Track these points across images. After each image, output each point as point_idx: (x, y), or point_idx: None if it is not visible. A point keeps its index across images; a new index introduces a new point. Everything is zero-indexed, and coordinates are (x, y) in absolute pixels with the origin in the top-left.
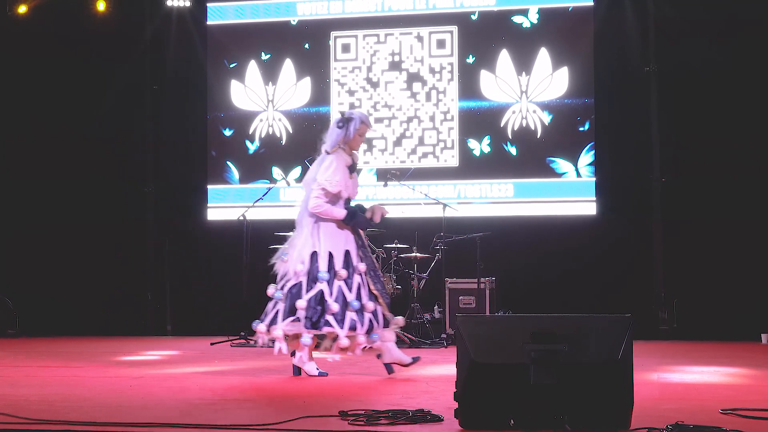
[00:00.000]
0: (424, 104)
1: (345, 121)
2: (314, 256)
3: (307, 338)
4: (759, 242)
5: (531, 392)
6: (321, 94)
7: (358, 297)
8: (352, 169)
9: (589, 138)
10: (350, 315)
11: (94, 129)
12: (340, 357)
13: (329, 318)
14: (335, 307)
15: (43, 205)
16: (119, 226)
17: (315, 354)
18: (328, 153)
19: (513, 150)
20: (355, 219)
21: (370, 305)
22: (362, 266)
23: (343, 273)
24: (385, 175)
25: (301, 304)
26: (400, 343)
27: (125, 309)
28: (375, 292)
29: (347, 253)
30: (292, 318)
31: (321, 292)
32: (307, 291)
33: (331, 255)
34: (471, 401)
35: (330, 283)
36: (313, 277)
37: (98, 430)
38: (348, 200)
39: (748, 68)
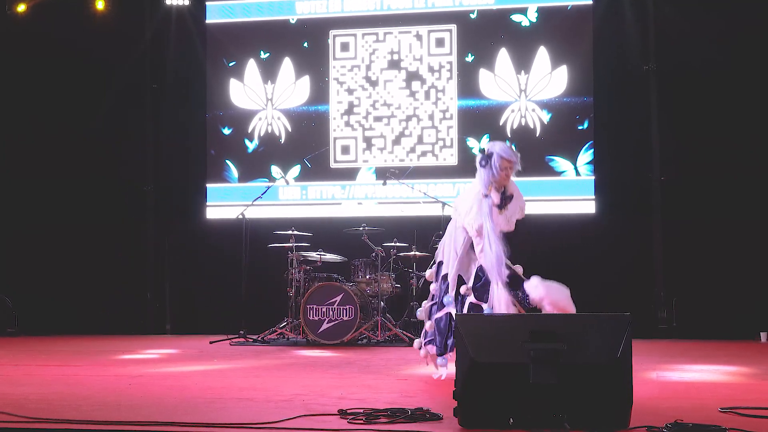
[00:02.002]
0: (423, 103)
1: (486, 158)
2: (446, 278)
3: (440, 360)
4: (758, 241)
5: (530, 391)
6: (320, 93)
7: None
8: (503, 204)
9: (588, 136)
10: None
11: (94, 129)
12: None
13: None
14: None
15: (43, 205)
16: (119, 226)
17: None
18: (485, 195)
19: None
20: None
21: None
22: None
23: (464, 290)
24: (384, 174)
25: (428, 325)
26: (399, 342)
27: (125, 308)
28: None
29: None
30: (427, 340)
31: (449, 315)
32: (437, 312)
33: (460, 277)
34: (470, 400)
35: (459, 306)
36: (440, 301)
37: (97, 429)
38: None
39: (748, 68)
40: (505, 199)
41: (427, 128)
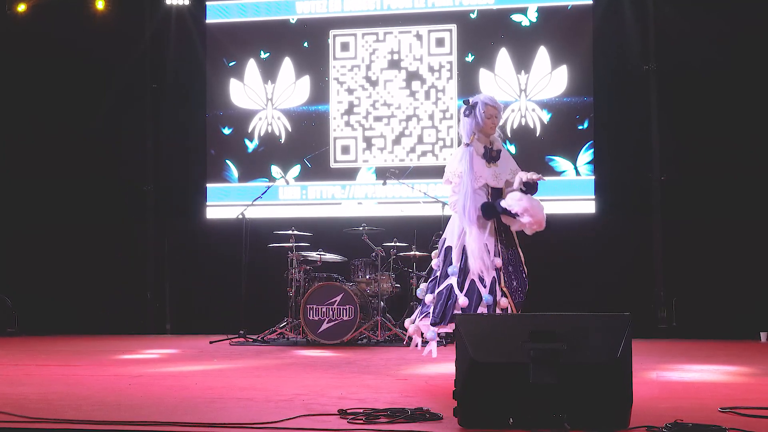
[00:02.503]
0: (423, 103)
1: (471, 108)
2: (449, 250)
3: (431, 333)
4: (758, 241)
5: (530, 391)
6: (320, 93)
7: (492, 292)
8: (490, 156)
9: (589, 136)
10: (482, 310)
11: (94, 129)
12: None
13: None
14: (463, 301)
15: (43, 205)
16: (119, 226)
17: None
18: (467, 144)
19: (512, 148)
20: (485, 212)
21: (503, 302)
22: (498, 261)
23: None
24: (384, 174)
25: (429, 298)
26: (399, 342)
27: (125, 308)
28: (504, 288)
29: (485, 247)
30: (423, 314)
31: (450, 286)
32: (438, 285)
33: (464, 249)
34: (470, 400)
35: (462, 277)
36: (444, 272)
37: (97, 429)
38: (489, 189)
39: (748, 68)
40: (491, 152)
41: (427, 128)
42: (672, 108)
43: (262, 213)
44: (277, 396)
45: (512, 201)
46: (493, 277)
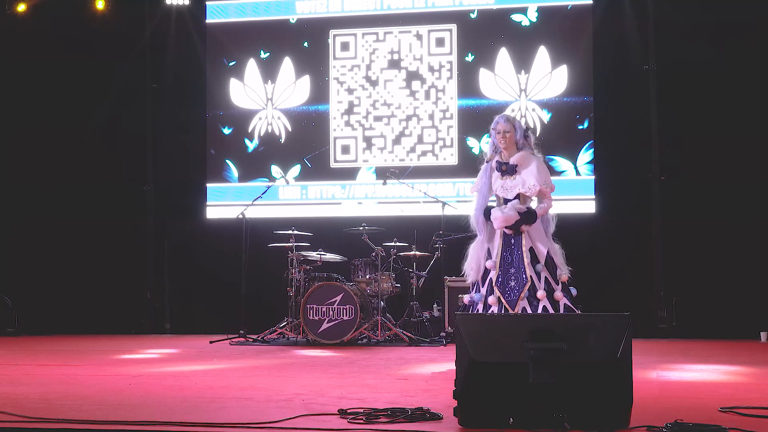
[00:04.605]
0: (424, 102)
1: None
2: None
3: None
4: (758, 241)
5: (530, 391)
6: (320, 93)
7: (491, 291)
8: (503, 170)
9: (589, 136)
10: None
11: (94, 129)
12: None
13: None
14: (468, 299)
15: (44, 205)
16: (119, 225)
17: None
18: (487, 161)
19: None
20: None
21: (491, 299)
22: (490, 263)
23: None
24: (384, 174)
25: (465, 299)
26: (399, 341)
27: (124, 307)
28: (495, 287)
29: (486, 253)
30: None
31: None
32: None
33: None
34: (470, 400)
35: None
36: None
37: (97, 429)
38: (501, 199)
39: (748, 67)
40: (504, 166)
41: (427, 128)
42: (672, 108)
43: (262, 213)
44: (277, 396)
45: (493, 217)
46: (490, 277)
